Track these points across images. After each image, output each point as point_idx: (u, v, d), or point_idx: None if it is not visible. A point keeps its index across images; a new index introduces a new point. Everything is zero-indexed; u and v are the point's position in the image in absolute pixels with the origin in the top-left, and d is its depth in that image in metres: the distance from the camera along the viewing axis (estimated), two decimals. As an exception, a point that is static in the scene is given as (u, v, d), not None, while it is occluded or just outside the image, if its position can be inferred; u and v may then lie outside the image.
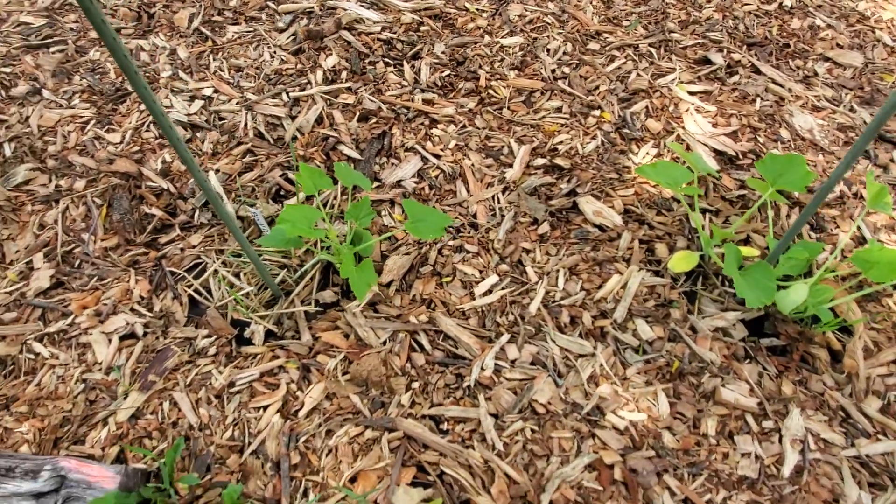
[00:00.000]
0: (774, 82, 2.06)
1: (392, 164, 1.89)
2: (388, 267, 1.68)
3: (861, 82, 2.09)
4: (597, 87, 2.05)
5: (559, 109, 2.01)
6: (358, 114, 1.98)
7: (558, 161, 1.87)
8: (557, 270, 1.67)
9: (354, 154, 1.91)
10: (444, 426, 1.46)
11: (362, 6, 2.25)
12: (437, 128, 1.96)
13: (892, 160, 1.88)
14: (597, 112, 1.99)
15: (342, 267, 1.45)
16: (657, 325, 1.57)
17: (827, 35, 2.20)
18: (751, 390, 1.47)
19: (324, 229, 1.56)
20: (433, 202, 1.81)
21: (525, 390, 1.48)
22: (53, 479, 1.31)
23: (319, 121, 1.98)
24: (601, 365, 1.51)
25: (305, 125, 1.96)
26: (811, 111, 2.00)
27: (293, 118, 1.98)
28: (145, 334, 1.60)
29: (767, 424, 1.43)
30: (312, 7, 2.26)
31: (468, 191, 1.82)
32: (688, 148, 1.90)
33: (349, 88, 2.06)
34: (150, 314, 1.63)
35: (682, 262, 1.65)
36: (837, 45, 2.18)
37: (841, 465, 1.39)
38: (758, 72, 2.09)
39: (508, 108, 2.01)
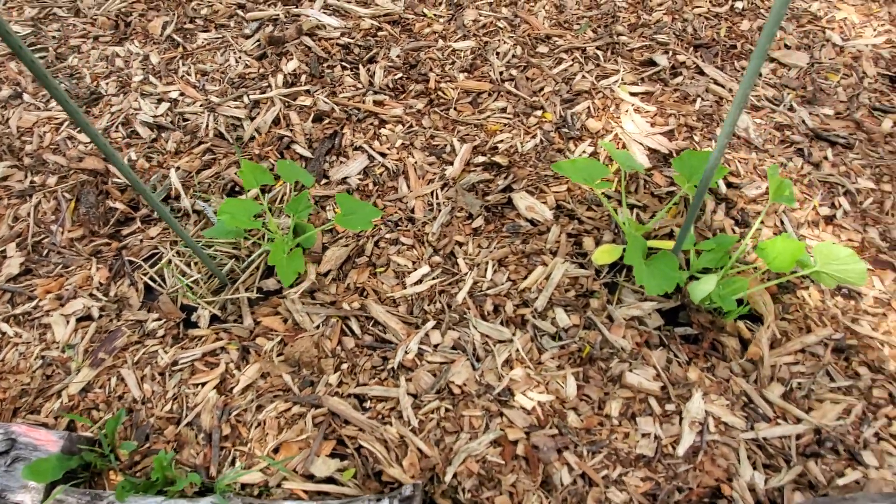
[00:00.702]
0: (716, 83, 2.12)
1: (341, 162, 2.00)
2: (326, 257, 1.79)
3: (804, 82, 2.13)
4: (542, 89, 2.13)
5: (504, 110, 2.10)
6: (312, 115, 2.10)
7: (497, 159, 1.96)
8: (487, 262, 1.76)
9: (306, 153, 2.02)
10: (367, 404, 1.56)
11: (325, 13, 2.37)
12: (385, 128, 2.07)
13: (825, 158, 1.93)
14: (539, 112, 2.07)
15: (271, 255, 1.57)
16: (575, 314, 1.65)
17: (776, 36, 2.24)
18: (657, 375, 1.54)
19: (261, 221, 1.68)
20: (375, 198, 1.91)
21: (443, 372, 1.57)
22: (4, 441, 1.45)
23: (276, 121, 2.10)
24: (517, 350, 1.60)
25: (263, 126, 2.09)
26: (750, 110, 2.06)
27: (252, 119, 2.11)
28: (100, 316, 1.74)
29: (670, 407, 1.50)
30: (278, 14, 2.39)
31: (409, 187, 1.92)
32: (623, 146, 1.97)
33: (307, 91, 2.18)
34: (106, 298, 1.77)
35: (605, 254, 1.73)
36: (785, 45, 2.23)
37: (738, 447, 1.45)
38: (701, 73, 2.15)
39: (455, 108, 2.11)
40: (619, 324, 1.63)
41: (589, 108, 2.08)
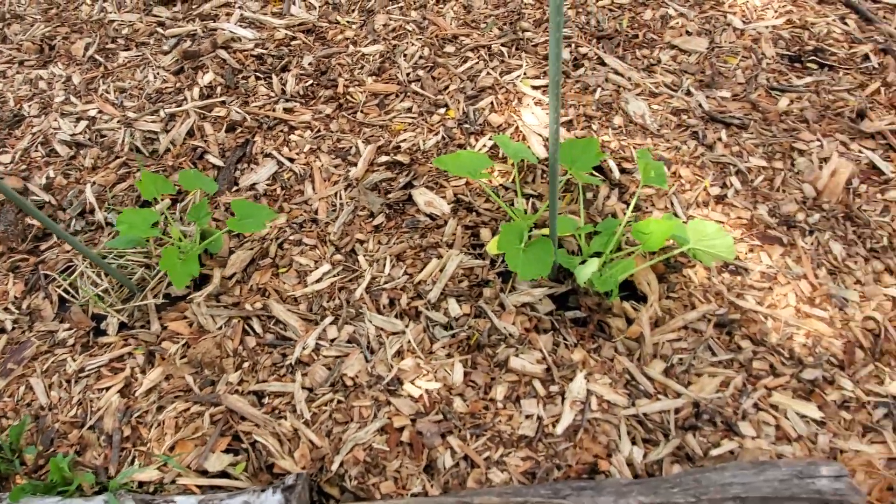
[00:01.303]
0: (616, 72, 2.17)
1: (251, 169, 2.05)
2: (231, 261, 1.84)
3: (703, 66, 2.18)
4: (447, 87, 2.18)
5: (409, 110, 2.15)
6: (226, 125, 2.16)
7: (400, 157, 2.01)
8: (385, 258, 1.81)
9: (219, 162, 2.08)
10: (266, 400, 1.60)
11: (240, 26, 2.43)
12: (294, 134, 2.12)
13: (719, 139, 1.97)
14: (443, 110, 2.13)
15: (162, 261, 1.62)
16: (467, 303, 1.69)
17: (677, 23, 2.29)
18: (542, 358, 1.58)
19: (160, 229, 1.73)
20: (281, 201, 1.96)
21: (337, 365, 1.62)
22: None
23: (191, 133, 2.16)
24: (409, 341, 1.64)
25: (178, 138, 2.14)
26: (648, 97, 2.10)
27: (167, 132, 2.16)
28: (13, 329, 1.79)
29: (554, 389, 1.54)
30: (196, 30, 2.45)
31: (314, 189, 1.97)
32: (524, 138, 2.02)
33: (223, 102, 2.24)
34: (19, 311, 1.82)
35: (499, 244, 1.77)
36: (686, 32, 2.28)
37: (619, 424, 1.49)
38: (602, 63, 2.20)
39: (362, 111, 2.16)
40: (509, 311, 1.67)
41: (492, 103, 2.13)
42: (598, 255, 1.71)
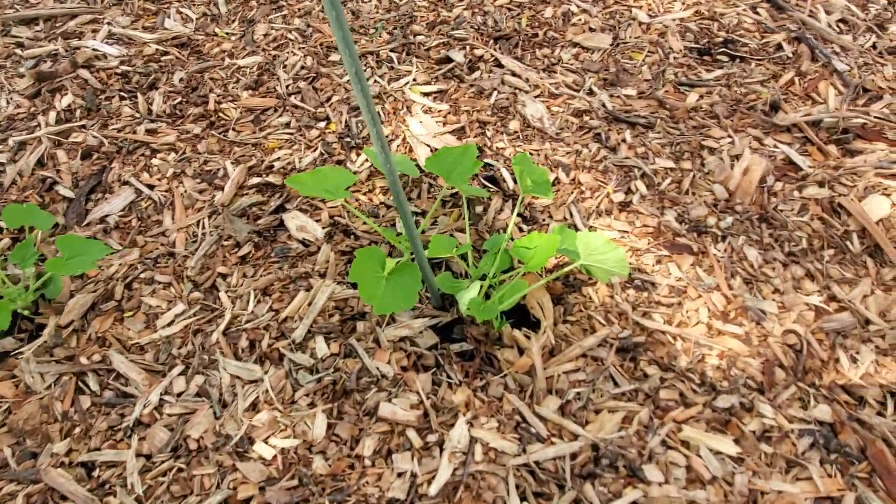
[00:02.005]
0: (513, 74, 1.99)
1: (105, 199, 1.80)
2: (68, 307, 1.58)
3: (607, 64, 2.01)
4: (329, 99, 1.98)
5: (287, 125, 1.93)
6: (81, 151, 1.91)
7: (272, 178, 1.79)
8: (249, 292, 1.57)
9: (70, 193, 1.83)
10: (97, 472, 1.34)
11: (106, 43, 2.19)
12: (156, 157, 1.88)
13: (623, 140, 1.79)
14: (323, 124, 1.91)
15: (-41, 313, 1.36)
16: (336, 341, 1.46)
17: (580, 20, 2.13)
18: (418, 402, 1.35)
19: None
20: (135, 234, 1.72)
21: (181, 425, 1.37)
22: None
23: (41, 163, 1.90)
24: (267, 390, 1.40)
25: (26, 168, 1.89)
26: (548, 98, 1.92)
27: (15, 162, 1.90)
28: None
29: (431, 439, 1.31)
30: (58, 49, 2.20)
31: (173, 219, 1.73)
32: (410, 150, 1.81)
33: (83, 126, 1.99)
34: None
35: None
36: (589, 28, 2.12)
37: (507, 475, 1.26)
38: (500, 65, 2.02)
39: (234, 129, 1.93)
40: (385, 347, 1.44)
41: (379, 112, 1.92)
42: (484, 277, 1.50)
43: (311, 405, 1.37)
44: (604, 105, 1.88)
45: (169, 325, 1.54)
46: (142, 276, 1.63)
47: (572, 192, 1.67)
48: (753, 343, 1.41)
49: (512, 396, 1.35)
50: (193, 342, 1.50)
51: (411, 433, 1.31)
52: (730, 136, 1.78)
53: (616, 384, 1.36)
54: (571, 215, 1.64)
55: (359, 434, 1.32)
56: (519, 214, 1.66)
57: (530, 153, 1.77)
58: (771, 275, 1.52)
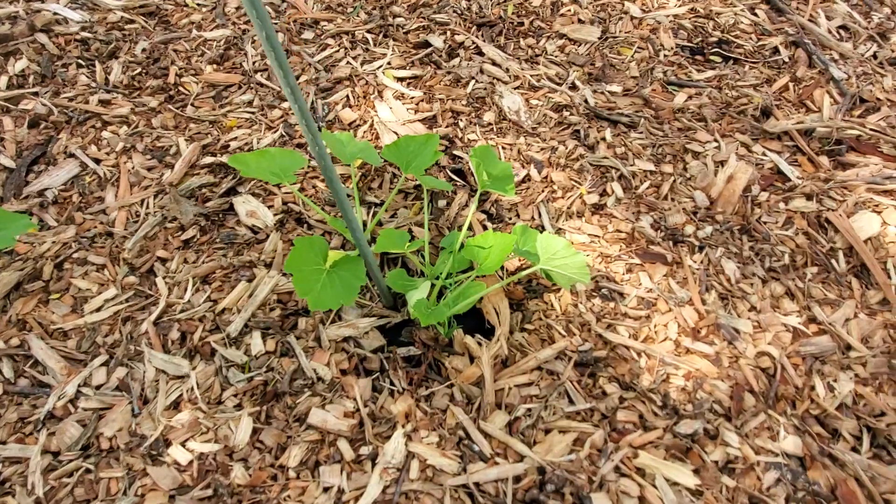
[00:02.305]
0: (494, 63, 1.87)
1: (48, 171, 1.69)
2: (-8, 286, 1.46)
3: (593, 58, 1.89)
4: (298, 78, 1.86)
5: (250, 103, 1.81)
6: (29, 119, 1.79)
7: (226, 159, 1.67)
8: (188, 280, 1.46)
9: (10, 163, 1.71)
10: (0, 468, 1.23)
11: (69, 7, 2.07)
12: (107, 130, 1.77)
13: (603, 139, 1.68)
14: (287, 104, 1.80)
15: None
16: (274, 338, 1.35)
17: (569, 11, 2.01)
18: (354, 410, 1.24)
19: None
20: (75, 210, 1.60)
21: (94, 421, 1.25)
22: None
23: (-15, 129, 1.78)
24: (192, 388, 1.29)
25: (-33, 135, 1.77)
26: (527, 91, 1.80)
27: (-43, 128, 1.79)
28: None
29: (365, 451, 1.20)
30: (18, 11, 2.08)
31: (116, 196, 1.62)
32: (377, 136, 1.70)
33: (35, 93, 1.87)
34: None
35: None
36: (578, 20, 2.00)
37: (444, 497, 1.15)
38: (480, 53, 1.90)
39: (193, 104, 1.81)
40: (325, 347, 1.33)
41: (348, 96, 1.81)
42: (451, 276, 1.39)
43: (238, 407, 1.26)
44: (586, 101, 1.77)
45: (97, 310, 1.43)
46: (75, 255, 1.52)
47: (543, 191, 1.56)
48: (724, 364, 1.30)
49: (457, 409, 1.24)
50: (122, 331, 1.39)
51: (343, 444, 1.20)
52: (716, 141, 1.67)
53: (571, 401, 1.25)
54: (540, 215, 1.52)
55: (286, 442, 1.21)
56: (484, 211, 1.54)
57: (502, 147, 1.66)
58: (748, 291, 1.41)
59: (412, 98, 1.79)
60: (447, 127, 1.72)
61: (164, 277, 1.48)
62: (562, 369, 1.28)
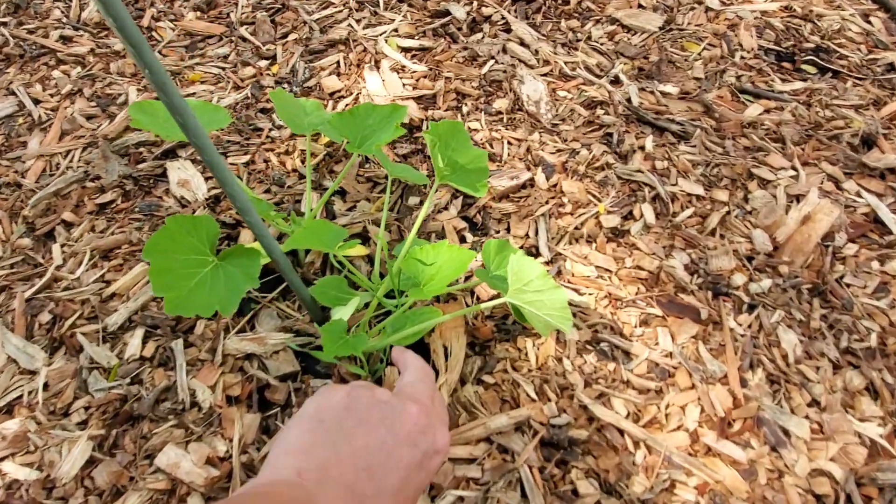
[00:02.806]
0: (521, 43, 1.52)
1: (-19, 107, 1.46)
2: None
3: (648, 50, 1.51)
4: (285, 36, 1.57)
5: (225, 58, 1.54)
6: (-16, 50, 1.58)
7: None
8: (86, 252, 1.17)
9: (-52, 93, 1.50)
10: None
11: (65, -63, 1.87)
12: (59, 69, 1.53)
13: (641, 148, 1.29)
14: (265, 63, 1.50)
15: None
16: (158, 341, 1.04)
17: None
18: (225, 456, 0.90)
19: None
20: (-8, 153, 1.36)
21: (-89, 413, 0.97)
22: None
23: (-63, 55, 1.58)
24: (37, 389, 0.99)
25: (-82, 58, 1.57)
26: (556, 79, 1.44)
27: None
28: None
29: None
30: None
31: (41, 143, 1.36)
32: (356, 111, 1.37)
33: (4, 23, 1.67)
34: None
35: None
36: (639, 5, 1.62)
37: None
38: (508, 30, 1.56)
39: (160, 52, 1.55)
40: (216, 363, 1.00)
41: (338, 62, 1.50)
42: (392, 294, 1.04)
43: (83, 425, 0.95)
44: (628, 99, 1.38)
45: (-30, 273, 1.16)
46: (-28, 205, 1.26)
47: (547, 202, 1.19)
48: (759, 480, 0.89)
49: (363, 479, 0.88)
50: (-10, 302, 1.12)
51: (195, 501, 0.87)
52: (794, 169, 1.25)
53: (524, 497, 0.87)
54: (536, 233, 1.15)
55: (125, 485, 0.89)
56: (465, 218, 1.19)
57: (508, 141, 1.30)
58: (812, 377, 0.99)
59: (413, 72, 1.46)
60: (447, 110, 1.37)
61: (62, 245, 1.20)
62: (520, 447, 0.90)
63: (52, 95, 1.48)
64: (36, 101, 1.46)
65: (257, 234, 0.81)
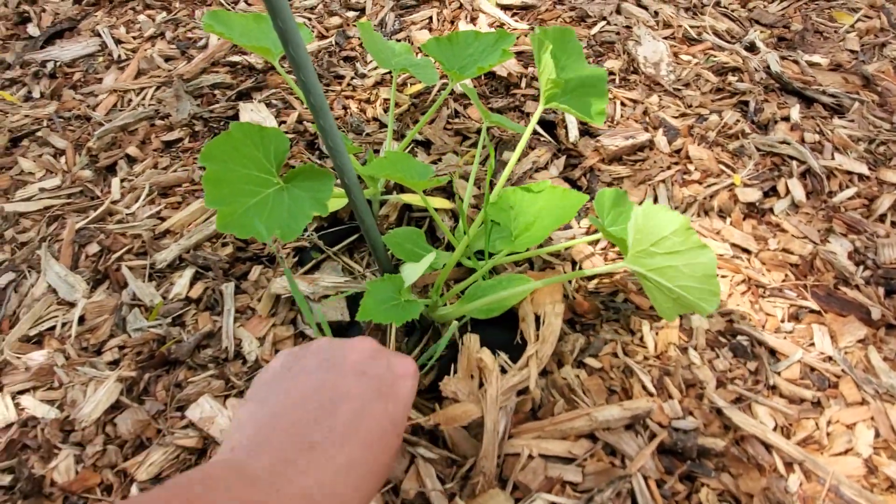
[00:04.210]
0: (639, 4, 1.34)
1: (61, 44, 1.42)
2: (-64, 147, 1.18)
3: (789, 18, 1.30)
4: (379, -12, 1.46)
5: (312, 9, 1.44)
6: (77, -7, 1.55)
7: (255, 59, 1.29)
8: (145, 187, 1.07)
9: (36, 32, 1.47)
10: None
11: None
12: (144, 14, 1.47)
13: (785, 118, 1.08)
14: (354, 14, 1.39)
15: None
16: (208, 283, 0.91)
17: None
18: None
19: None
20: (68, 88, 1.30)
21: (-61, 334, 0.88)
22: None
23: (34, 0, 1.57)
24: (72, 322, 0.87)
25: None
26: (680, 42, 1.25)
27: (8, -8, 1.59)
28: None
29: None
30: None
31: (116, 80, 1.29)
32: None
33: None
34: None
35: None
36: (777, -27, 1.41)
37: None
38: (625, -9, 1.38)
39: (248, 1, 1.47)
40: (266, 313, 0.86)
41: (431, 17, 1.37)
42: (482, 254, 0.87)
43: (114, 365, 0.82)
44: (768, 67, 1.17)
45: (27, 199, 1.08)
46: (38, 133, 1.19)
47: (669, 167, 0.99)
48: (966, 534, 0.65)
49: (425, 469, 0.70)
50: (41, 230, 1.02)
51: (228, 467, 0.71)
52: None
53: (632, 518, 0.67)
54: (655, 200, 0.95)
55: (150, 437, 0.75)
56: (567, 178, 1.00)
57: (622, 102, 1.12)
58: None
59: (513, 30, 1.30)
60: (550, 68, 1.20)
61: (122, 180, 1.10)
62: (633, 450, 0.70)
63: (134, 38, 1.42)
64: (118, 42, 1.40)
65: (339, 166, 0.66)
